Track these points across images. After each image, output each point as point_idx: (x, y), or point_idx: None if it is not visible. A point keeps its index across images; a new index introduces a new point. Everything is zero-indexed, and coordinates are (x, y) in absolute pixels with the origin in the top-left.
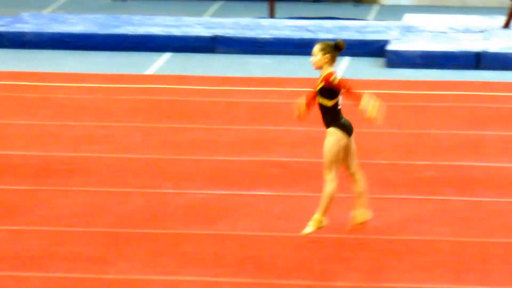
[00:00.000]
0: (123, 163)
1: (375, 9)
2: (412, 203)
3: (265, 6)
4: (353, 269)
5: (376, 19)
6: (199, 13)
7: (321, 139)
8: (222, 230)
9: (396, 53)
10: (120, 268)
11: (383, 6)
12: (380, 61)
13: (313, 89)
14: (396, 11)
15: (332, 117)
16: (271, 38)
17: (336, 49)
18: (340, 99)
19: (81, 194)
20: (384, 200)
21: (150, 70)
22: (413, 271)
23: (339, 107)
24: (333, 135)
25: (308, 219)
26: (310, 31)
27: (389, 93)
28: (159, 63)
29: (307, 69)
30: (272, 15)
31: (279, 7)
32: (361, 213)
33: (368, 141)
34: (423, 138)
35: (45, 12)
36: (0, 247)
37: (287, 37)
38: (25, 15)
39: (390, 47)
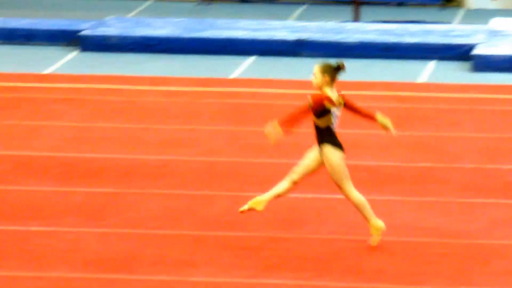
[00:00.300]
0: (208, 166)
1: (461, 13)
2: (499, 208)
3: (349, 10)
4: (438, 273)
5: (462, 23)
6: (284, 17)
7: (408, 143)
8: (306, 234)
9: (482, 57)
10: (204, 271)
11: (469, 10)
12: (466, 65)
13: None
14: (482, 15)
15: (326, 136)
16: (355, 42)
17: (337, 70)
18: (335, 119)
19: (166, 197)
20: (470, 204)
21: (235, 74)
22: (499, 275)
23: (335, 130)
24: (334, 156)
25: (395, 223)
26: (395, 35)
27: (475, 97)
28: (243, 67)
29: (392, 73)
30: (356, 18)
31: (364, 11)
32: (260, 203)
33: (454, 146)
34: (510, 142)
35: (130, 15)
36: (87, 250)
37: (372, 41)
38: (110, 18)
39: (476, 51)
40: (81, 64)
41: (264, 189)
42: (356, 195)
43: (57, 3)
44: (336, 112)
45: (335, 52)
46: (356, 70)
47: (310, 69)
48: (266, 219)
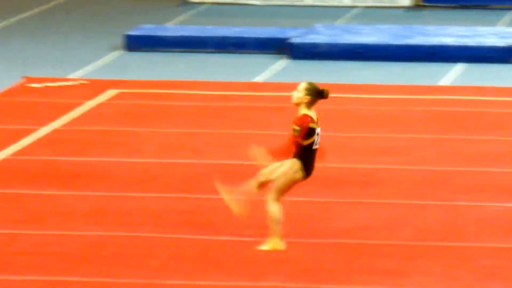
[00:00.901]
0: (418, 175)
1: None
2: None
3: None
4: None
5: None
6: (493, 23)
7: None
8: None
9: None
10: (416, 281)
11: None
12: None
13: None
14: None
15: (302, 155)
16: None
17: (319, 95)
18: (317, 140)
19: (377, 206)
20: None
21: (443, 81)
22: None
23: (315, 148)
24: (294, 166)
25: None
26: None
27: None
28: (452, 74)
29: None
30: None
31: None
32: (276, 242)
33: None
34: None
35: (338, 22)
36: (298, 259)
37: None
38: (318, 26)
39: None
40: (290, 72)
41: (474, 199)
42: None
43: (266, 11)
44: (318, 131)
45: None
46: None
47: None
48: (477, 229)
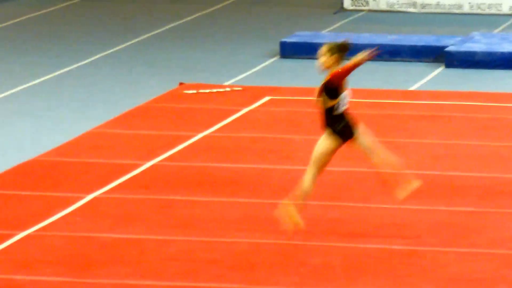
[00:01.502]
0: None
1: None
2: None
3: None
4: None
5: None
6: None
7: None
8: None
9: None
10: None
11: None
12: None
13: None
14: None
15: (330, 119)
16: None
17: (343, 49)
18: (342, 103)
19: None
20: None
21: None
22: None
23: (340, 112)
24: (326, 140)
25: None
26: None
27: None
28: None
29: None
30: None
31: None
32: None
33: None
34: None
35: (496, 31)
36: (448, 269)
37: None
38: (475, 34)
39: None
40: (446, 81)
41: None
42: (308, 180)
43: (422, 18)
44: (346, 97)
45: None
46: None
47: None
48: None
